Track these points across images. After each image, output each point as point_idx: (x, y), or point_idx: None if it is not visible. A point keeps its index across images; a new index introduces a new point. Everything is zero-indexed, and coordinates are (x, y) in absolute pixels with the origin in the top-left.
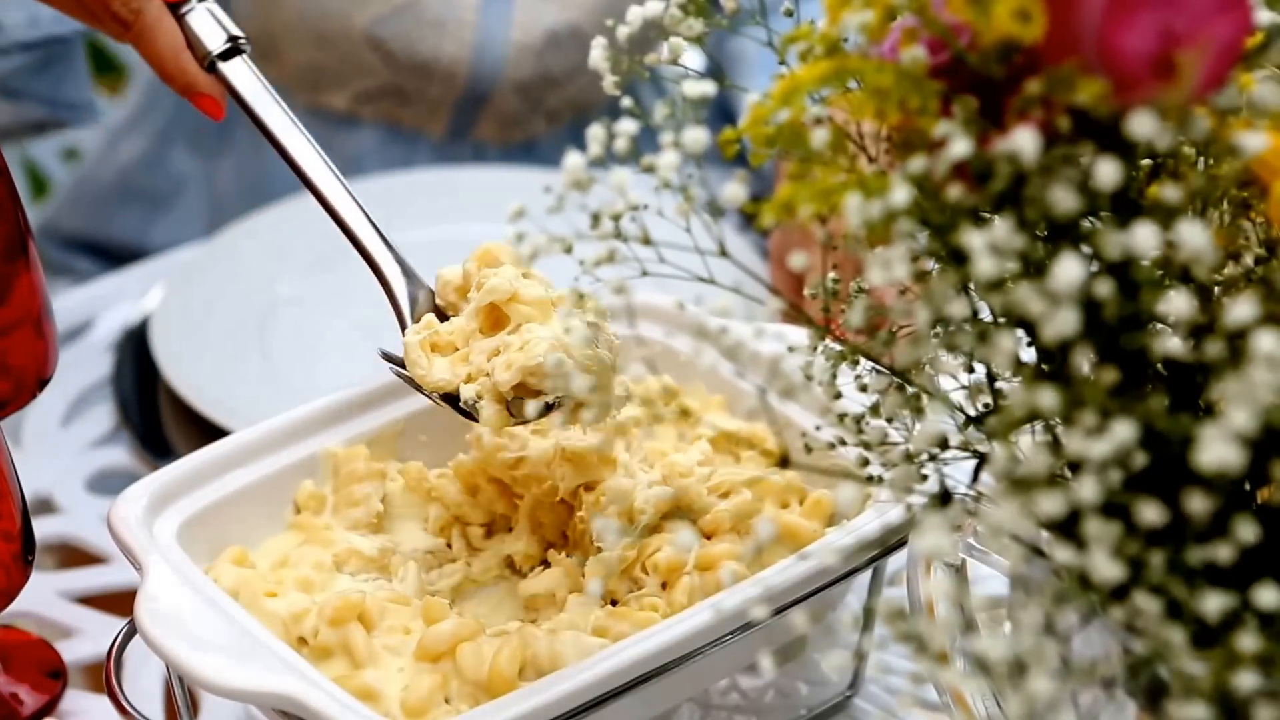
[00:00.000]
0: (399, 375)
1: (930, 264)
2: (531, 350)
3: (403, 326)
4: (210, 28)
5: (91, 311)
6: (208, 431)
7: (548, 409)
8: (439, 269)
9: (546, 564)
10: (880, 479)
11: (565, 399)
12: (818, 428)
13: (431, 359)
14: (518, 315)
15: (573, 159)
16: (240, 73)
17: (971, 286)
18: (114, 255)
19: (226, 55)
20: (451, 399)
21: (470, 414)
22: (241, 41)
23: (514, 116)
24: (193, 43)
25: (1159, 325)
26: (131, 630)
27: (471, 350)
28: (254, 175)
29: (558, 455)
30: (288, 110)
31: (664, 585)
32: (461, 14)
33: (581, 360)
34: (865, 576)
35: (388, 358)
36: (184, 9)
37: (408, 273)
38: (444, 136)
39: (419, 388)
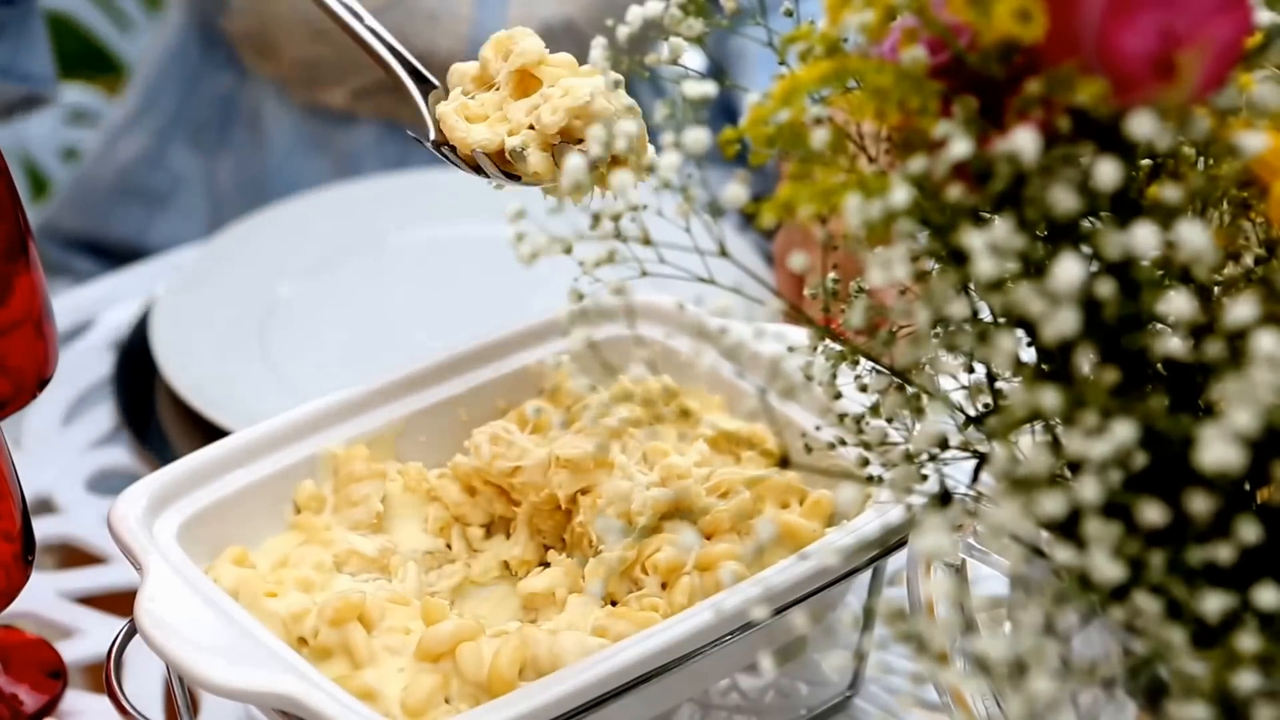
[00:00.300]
0: (434, 151)
1: (930, 264)
2: (576, 93)
3: (422, 121)
4: None
5: (91, 311)
6: (208, 431)
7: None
8: (453, 66)
9: (545, 565)
10: (880, 479)
11: (604, 152)
12: (818, 428)
13: (469, 125)
14: (549, 77)
15: (573, 159)
16: None
17: (971, 287)
18: (114, 255)
19: None
20: (489, 166)
21: (512, 172)
22: None
23: None
24: None
25: (1159, 325)
26: (131, 630)
27: (508, 111)
28: (254, 173)
29: (553, 462)
30: None
31: (663, 586)
32: (456, 8)
33: (622, 107)
34: (865, 576)
35: (416, 137)
36: None
37: (419, 75)
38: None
39: (454, 159)
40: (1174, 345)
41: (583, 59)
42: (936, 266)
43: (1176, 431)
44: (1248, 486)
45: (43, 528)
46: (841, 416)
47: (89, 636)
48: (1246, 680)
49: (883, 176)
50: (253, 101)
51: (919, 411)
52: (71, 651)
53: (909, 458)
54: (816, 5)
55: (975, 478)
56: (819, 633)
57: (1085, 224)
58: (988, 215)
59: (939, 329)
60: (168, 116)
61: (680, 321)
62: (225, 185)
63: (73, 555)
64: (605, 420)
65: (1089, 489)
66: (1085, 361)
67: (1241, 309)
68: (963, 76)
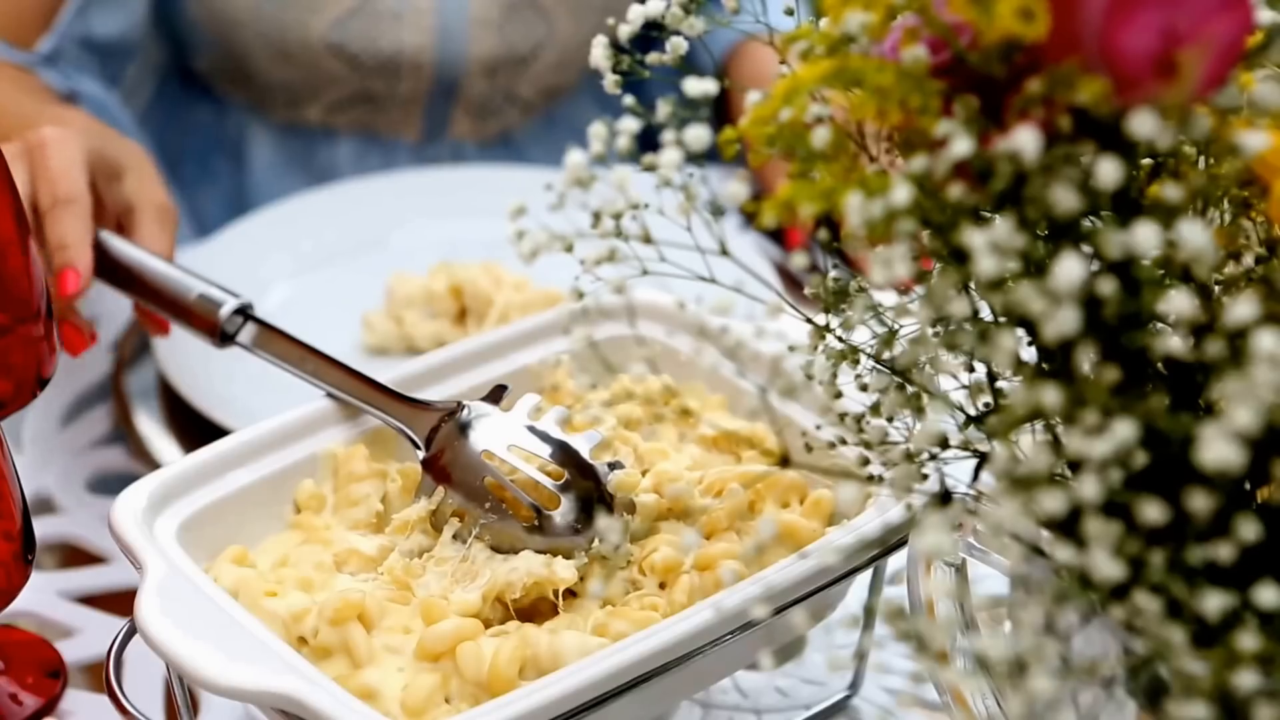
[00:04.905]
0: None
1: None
2: None
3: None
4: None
5: (91, 312)
6: (208, 431)
7: None
8: None
9: None
10: (880, 478)
11: None
12: (818, 427)
13: None
14: None
15: (574, 156)
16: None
17: (972, 285)
18: None
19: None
20: None
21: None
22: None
23: (486, 105)
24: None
25: (1160, 324)
26: (131, 630)
27: None
28: (235, 196)
29: None
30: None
31: (662, 585)
32: (417, 2)
33: None
34: (866, 576)
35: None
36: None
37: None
38: (420, 139)
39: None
40: (1174, 344)
41: (548, 34)
42: (937, 266)
43: (1177, 430)
44: (1248, 485)
45: (43, 528)
46: (842, 416)
47: (89, 636)
48: (1246, 680)
49: (883, 176)
50: (233, 128)
51: (919, 411)
52: (71, 651)
53: (909, 457)
54: None
55: (975, 477)
56: (819, 632)
57: (1086, 223)
58: (989, 214)
59: (939, 328)
60: (148, 149)
61: (681, 320)
62: (207, 215)
63: (73, 555)
64: (598, 426)
65: (1089, 488)
66: (1086, 360)
67: (1242, 308)
68: (964, 75)
